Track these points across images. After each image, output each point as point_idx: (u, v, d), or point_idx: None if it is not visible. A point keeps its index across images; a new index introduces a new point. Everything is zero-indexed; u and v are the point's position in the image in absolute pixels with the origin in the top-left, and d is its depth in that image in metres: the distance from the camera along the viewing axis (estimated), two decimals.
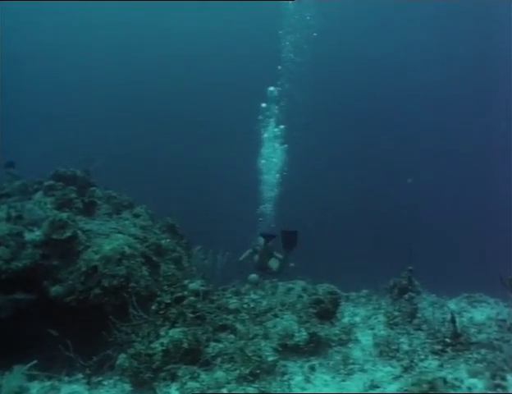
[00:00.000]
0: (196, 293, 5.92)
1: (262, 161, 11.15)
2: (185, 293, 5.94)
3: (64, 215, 7.30)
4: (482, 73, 22.82)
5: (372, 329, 6.02)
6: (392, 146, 22.09)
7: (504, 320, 5.11)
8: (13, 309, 6.87)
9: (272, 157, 11.10)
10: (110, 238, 7.30)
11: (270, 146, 11.15)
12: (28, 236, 7.12)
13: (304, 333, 5.31)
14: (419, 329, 5.27)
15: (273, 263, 8.62)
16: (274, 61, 11.90)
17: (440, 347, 4.56)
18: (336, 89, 21.92)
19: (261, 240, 8.87)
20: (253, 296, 6.59)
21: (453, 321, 4.67)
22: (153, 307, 5.91)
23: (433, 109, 23.33)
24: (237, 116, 22.23)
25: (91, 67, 25.06)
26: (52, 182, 8.71)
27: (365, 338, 5.80)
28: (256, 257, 8.60)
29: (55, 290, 6.86)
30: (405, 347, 4.84)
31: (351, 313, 7.30)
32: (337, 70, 21.88)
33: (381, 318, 6.25)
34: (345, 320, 6.58)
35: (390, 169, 20.81)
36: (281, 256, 8.74)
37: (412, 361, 4.44)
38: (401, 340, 5.07)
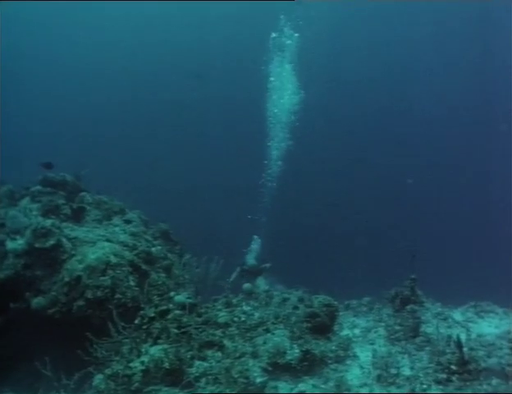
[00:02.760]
0: (182, 306, 5.54)
1: (271, 78, 10.79)
2: (170, 306, 5.57)
3: (48, 222, 6.97)
4: (482, 76, 22.38)
5: (371, 344, 5.60)
6: (392, 150, 21.65)
7: None
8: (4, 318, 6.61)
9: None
10: (95, 246, 6.94)
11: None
12: (10, 245, 6.79)
13: (297, 350, 4.91)
14: (422, 349, 4.82)
15: (260, 282, 8.34)
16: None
17: (444, 376, 4.08)
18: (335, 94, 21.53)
19: (249, 260, 8.64)
20: (245, 308, 6.18)
21: (459, 346, 4.18)
22: (136, 321, 5.54)
23: (434, 113, 22.84)
24: (236, 121, 21.92)
25: (89, 70, 24.77)
26: (39, 188, 8.37)
27: (364, 354, 5.38)
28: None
29: (37, 301, 6.52)
30: (406, 371, 4.39)
31: (351, 324, 6.86)
32: (337, 75, 21.52)
33: (382, 331, 5.82)
34: (344, 333, 6.15)
35: (391, 173, 20.32)
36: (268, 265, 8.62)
37: (413, 390, 3.98)
38: (402, 361, 4.62)
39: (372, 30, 23.46)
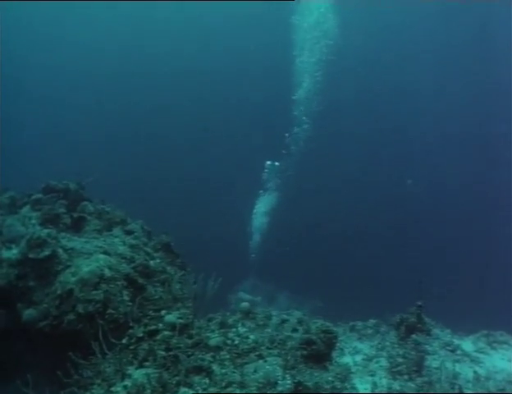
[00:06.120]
0: (172, 326, 5.29)
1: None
2: (160, 326, 5.32)
3: (44, 232, 6.83)
4: (481, 75, 21.81)
5: (372, 375, 5.24)
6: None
7: None
8: None
9: None
10: (90, 259, 6.76)
11: None
12: (4, 254, 6.68)
13: (289, 381, 4.58)
14: (423, 391, 4.43)
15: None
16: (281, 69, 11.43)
17: None
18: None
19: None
20: (240, 329, 5.88)
21: None
22: (124, 340, 5.30)
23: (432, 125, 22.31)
24: (240, 131, 21.74)
25: (91, 77, 24.74)
26: (39, 196, 8.27)
27: (363, 386, 5.04)
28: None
29: (28, 313, 6.36)
30: None
31: (353, 349, 6.52)
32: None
33: (384, 362, 5.45)
34: (344, 360, 5.81)
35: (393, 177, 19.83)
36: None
37: None
38: None
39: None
